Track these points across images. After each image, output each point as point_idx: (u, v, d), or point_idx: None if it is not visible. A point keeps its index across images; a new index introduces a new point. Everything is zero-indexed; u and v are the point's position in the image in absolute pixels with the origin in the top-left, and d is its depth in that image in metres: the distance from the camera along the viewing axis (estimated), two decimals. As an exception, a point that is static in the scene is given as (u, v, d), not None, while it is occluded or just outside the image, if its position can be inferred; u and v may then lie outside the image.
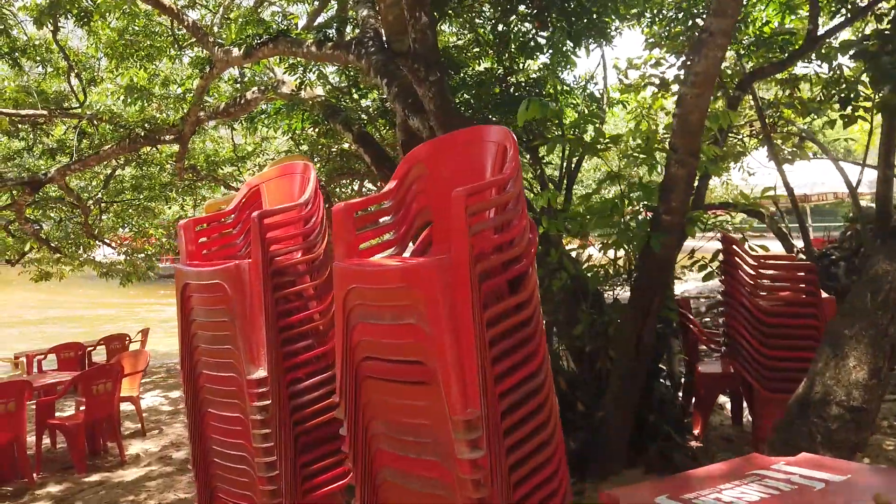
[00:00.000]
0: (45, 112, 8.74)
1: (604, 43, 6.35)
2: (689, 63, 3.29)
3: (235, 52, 7.50)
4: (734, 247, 3.69)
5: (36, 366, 9.95)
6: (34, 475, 4.84)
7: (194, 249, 2.84)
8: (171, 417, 7.03)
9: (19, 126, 10.01)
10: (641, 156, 3.47)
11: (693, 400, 4.48)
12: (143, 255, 13.09)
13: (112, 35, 9.59)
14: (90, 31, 9.77)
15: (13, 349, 11.54)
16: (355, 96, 8.60)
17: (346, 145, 10.25)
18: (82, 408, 5.90)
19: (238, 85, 10.98)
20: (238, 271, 2.47)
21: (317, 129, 9.15)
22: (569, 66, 6.49)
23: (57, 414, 5.83)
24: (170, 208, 13.49)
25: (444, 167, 2.24)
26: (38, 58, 10.05)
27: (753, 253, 3.64)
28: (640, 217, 3.51)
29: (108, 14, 8.75)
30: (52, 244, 12.45)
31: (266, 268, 2.49)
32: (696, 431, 4.30)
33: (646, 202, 3.53)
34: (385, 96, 6.44)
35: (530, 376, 1.94)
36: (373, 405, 2.03)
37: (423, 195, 2.30)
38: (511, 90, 6.86)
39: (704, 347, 5.03)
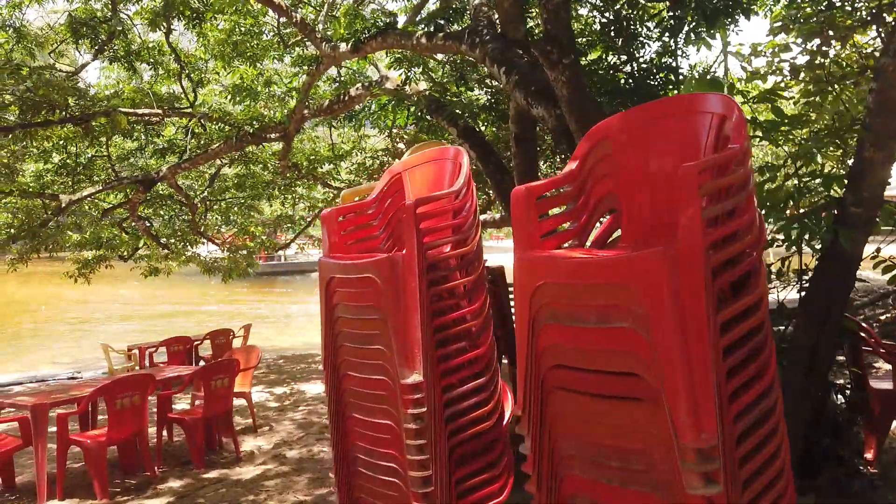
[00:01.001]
0: (159, 111, 9.01)
1: (740, 19, 5.83)
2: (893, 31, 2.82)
3: (343, 47, 7.44)
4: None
5: (147, 358, 10.34)
6: (156, 469, 4.86)
7: (337, 241, 2.64)
8: (279, 414, 7.03)
9: (134, 126, 10.40)
10: (826, 139, 3.02)
11: (861, 419, 3.95)
12: (244, 251, 13.40)
13: (220, 36, 9.82)
14: (200, 33, 10.05)
15: (125, 342, 12.08)
16: (459, 91, 8.40)
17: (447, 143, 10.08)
18: (198, 402, 5.97)
19: (336, 84, 11.04)
20: (391, 264, 2.24)
21: (418, 126, 9.01)
22: (693, 49, 6.00)
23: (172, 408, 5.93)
24: (270, 206, 13.77)
25: (639, 145, 1.92)
26: (150, 60, 10.40)
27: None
28: (821, 209, 3.06)
29: (218, 14, 8.92)
30: (161, 241, 12.96)
31: (421, 261, 2.25)
32: (867, 455, 3.78)
33: (827, 192, 3.08)
34: (501, 86, 6.17)
35: (764, 394, 1.60)
36: (563, 421, 1.74)
37: (608, 179, 1.99)
38: (629, 79, 6.46)
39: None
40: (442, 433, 2.27)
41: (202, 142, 10.93)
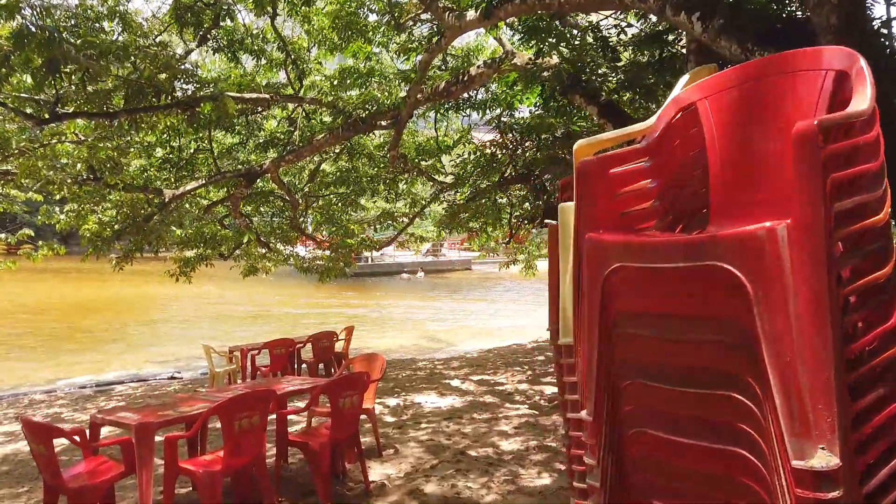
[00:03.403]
0: (267, 96, 8.38)
1: None
2: None
3: (471, 14, 6.52)
4: None
5: (249, 361, 9.77)
6: (276, 502, 4.04)
7: (606, 208, 1.63)
8: (400, 432, 6.14)
9: (237, 120, 9.89)
10: None
11: None
12: (344, 249, 12.73)
13: (325, 21, 9.14)
14: (304, 17, 9.41)
15: (218, 341, 11.64)
16: (599, 63, 7.27)
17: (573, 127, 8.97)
18: (317, 421, 5.16)
19: (441, 71, 10.16)
20: (775, 244, 1.21)
21: (546, 107, 7.94)
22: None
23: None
24: (374, 202, 13.06)
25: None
26: (254, 48, 9.87)
27: None
28: None
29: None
30: (262, 239, 12.51)
31: (829, 242, 1.20)
32: None
33: None
34: (696, 36, 5.03)
35: None
36: None
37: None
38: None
39: None
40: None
41: (305, 135, 10.35)
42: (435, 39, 7.35)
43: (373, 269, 39.49)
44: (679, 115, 1.73)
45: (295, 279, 28.45)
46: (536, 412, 6.76)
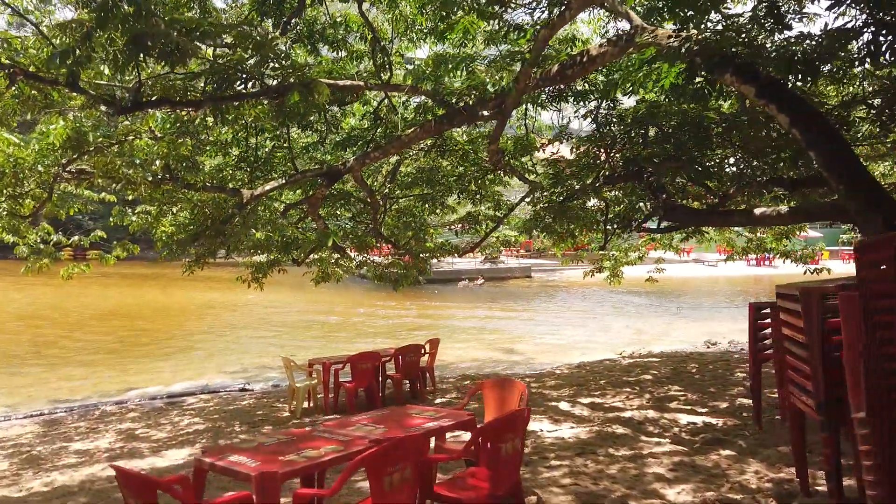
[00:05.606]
0: (361, 83, 7.56)
1: None
2: None
3: (609, -21, 5.54)
4: None
5: (332, 376, 8.98)
6: (427, 580, 3.11)
7: None
8: (531, 472, 5.14)
9: (323, 112, 9.13)
10: None
11: None
12: (423, 254, 11.85)
13: (412, 5, 8.30)
14: (390, 3, 8.59)
15: (290, 352, 10.89)
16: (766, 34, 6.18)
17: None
18: (454, 464, 4.23)
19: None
20: None
21: (683, 91, 6.86)
22: None
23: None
24: (459, 204, 12.13)
25: None
26: (337, 37, 9.12)
27: None
28: None
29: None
30: (338, 244, 11.74)
31: None
32: None
33: None
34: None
35: None
36: None
37: None
38: None
39: None
40: None
41: (389, 130, 9.54)
42: (556, 13, 6.38)
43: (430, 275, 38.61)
44: None
45: (351, 286, 27.81)
46: (685, 449, 5.67)
